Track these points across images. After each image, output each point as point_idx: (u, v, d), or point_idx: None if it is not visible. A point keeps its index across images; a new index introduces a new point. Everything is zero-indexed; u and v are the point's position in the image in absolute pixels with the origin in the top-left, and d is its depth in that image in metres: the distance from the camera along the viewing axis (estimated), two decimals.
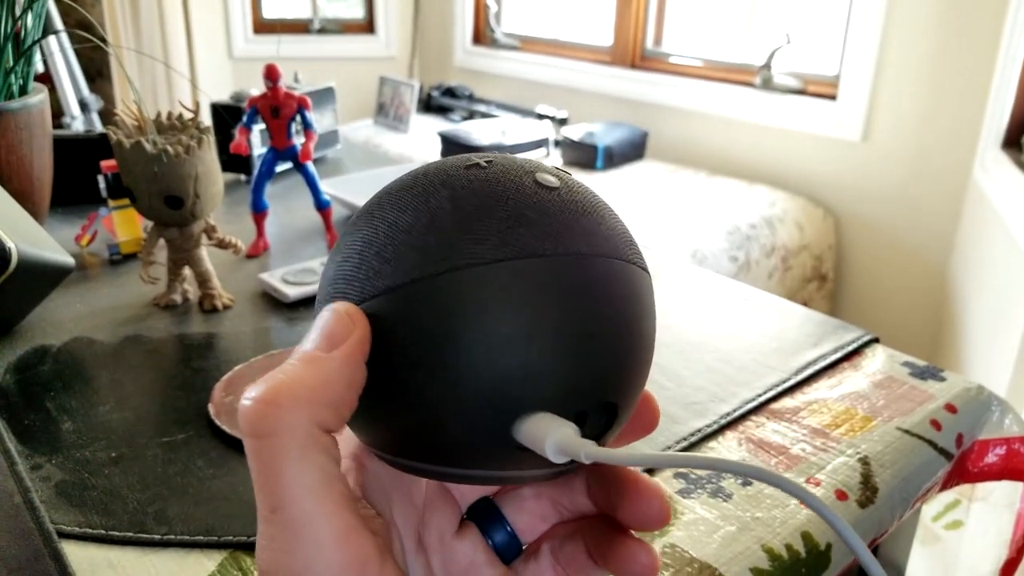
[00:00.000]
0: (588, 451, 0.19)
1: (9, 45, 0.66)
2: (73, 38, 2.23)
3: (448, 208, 0.21)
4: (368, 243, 0.21)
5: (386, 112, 2.73)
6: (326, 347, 0.20)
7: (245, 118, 0.71)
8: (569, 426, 0.20)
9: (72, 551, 0.38)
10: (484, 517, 0.25)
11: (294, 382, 0.19)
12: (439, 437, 0.21)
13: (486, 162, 0.22)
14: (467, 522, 0.25)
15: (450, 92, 2.92)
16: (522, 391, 0.20)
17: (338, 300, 0.21)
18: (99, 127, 2.37)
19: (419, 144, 2.48)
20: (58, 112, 2.24)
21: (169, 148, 0.56)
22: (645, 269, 0.23)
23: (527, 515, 0.25)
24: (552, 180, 0.22)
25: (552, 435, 0.19)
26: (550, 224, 0.20)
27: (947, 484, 0.53)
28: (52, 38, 2.09)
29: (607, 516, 0.24)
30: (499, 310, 0.20)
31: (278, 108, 0.70)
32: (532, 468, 0.21)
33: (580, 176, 2.17)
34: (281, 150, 0.72)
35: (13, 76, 0.68)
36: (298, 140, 0.73)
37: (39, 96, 0.69)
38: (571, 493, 0.25)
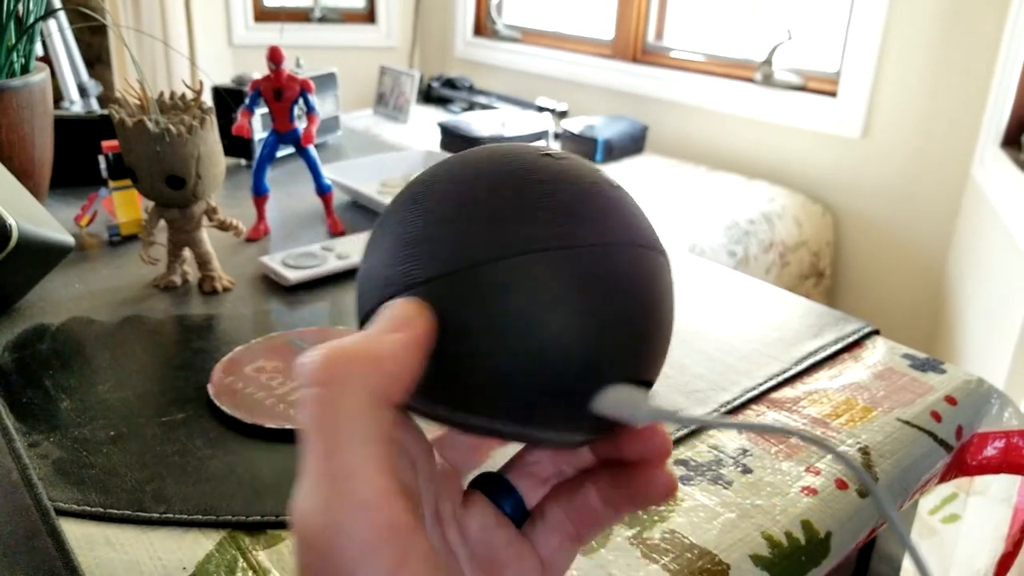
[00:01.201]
0: (680, 415, 0.21)
1: (11, 23, 0.66)
2: (74, 19, 2.22)
3: (510, 194, 0.22)
4: (439, 219, 0.22)
5: (386, 102, 2.72)
6: (389, 330, 0.20)
7: (247, 100, 0.71)
8: (646, 394, 0.22)
9: (70, 528, 0.38)
10: (490, 488, 0.26)
11: (359, 346, 0.19)
12: (507, 400, 0.22)
13: (560, 156, 0.24)
14: (472, 491, 0.26)
15: (450, 83, 2.92)
16: (595, 366, 0.21)
17: (400, 282, 0.22)
18: (98, 112, 2.36)
19: (419, 134, 2.47)
20: (57, 97, 2.22)
21: (172, 127, 0.56)
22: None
23: (530, 479, 0.26)
24: (614, 182, 0.24)
25: (643, 403, 0.21)
26: (607, 218, 0.22)
27: (946, 476, 0.53)
28: (51, 23, 2.08)
29: (609, 462, 0.25)
30: (568, 294, 0.21)
31: (281, 91, 0.70)
32: (578, 433, 0.23)
33: None
34: (283, 133, 0.72)
35: (15, 54, 0.67)
36: (300, 124, 0.73)
37: (41, 75, 0.69)
38: (574, 451, 0.26)
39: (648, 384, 0.23)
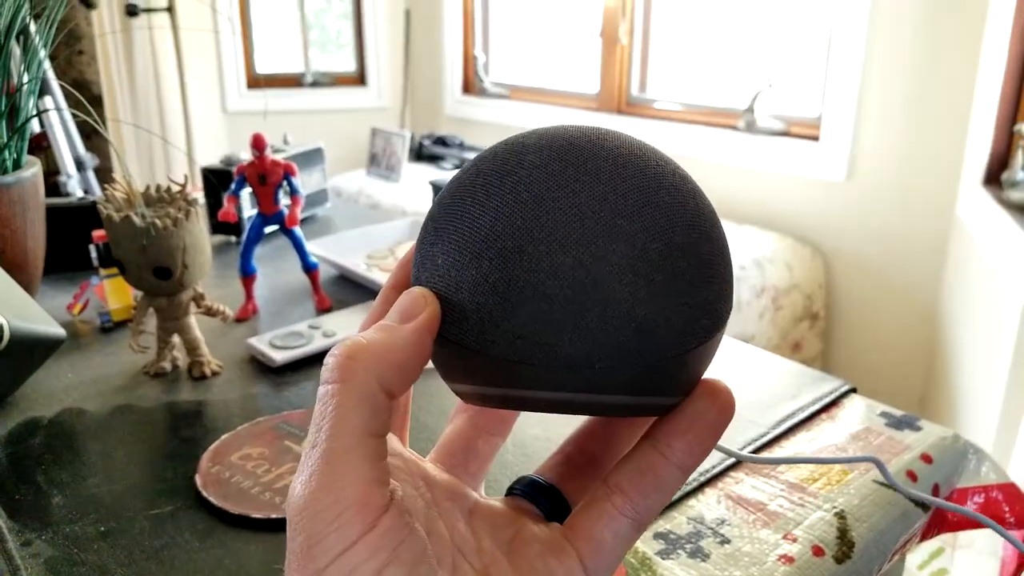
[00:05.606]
0: None
1: (3, 122, 0.68)
2: (71, 105, 2.27)
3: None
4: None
5: (378, 162, 2.77)
6: (399, 321, 0.23)
7: (233, 186, 0.73)
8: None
9: None
10: (529, 491, 0.27)
11: (369, 342, 0.22)
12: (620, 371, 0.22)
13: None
14: (506, 499, 0.27)
15: (441, 141, 2.97)
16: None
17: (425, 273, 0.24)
18: (95, 185, 2.40)
19: (411, 193, 2.51)
20: (54, 171, 2.26)
21: (157, 221, 0.58)
22: None
23: (568, 471, 0.28)
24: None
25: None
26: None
27: (927, 534, 0.54)
28: (47, 99, 2.13)
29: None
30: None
31: (265, 175, 0.72)
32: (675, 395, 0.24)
33: None
34: (268, 215, 0.74)
35: (7, 151, 0.70)
36: (285, 202, 0.75)
37: (32, 170, 0.71)
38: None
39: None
